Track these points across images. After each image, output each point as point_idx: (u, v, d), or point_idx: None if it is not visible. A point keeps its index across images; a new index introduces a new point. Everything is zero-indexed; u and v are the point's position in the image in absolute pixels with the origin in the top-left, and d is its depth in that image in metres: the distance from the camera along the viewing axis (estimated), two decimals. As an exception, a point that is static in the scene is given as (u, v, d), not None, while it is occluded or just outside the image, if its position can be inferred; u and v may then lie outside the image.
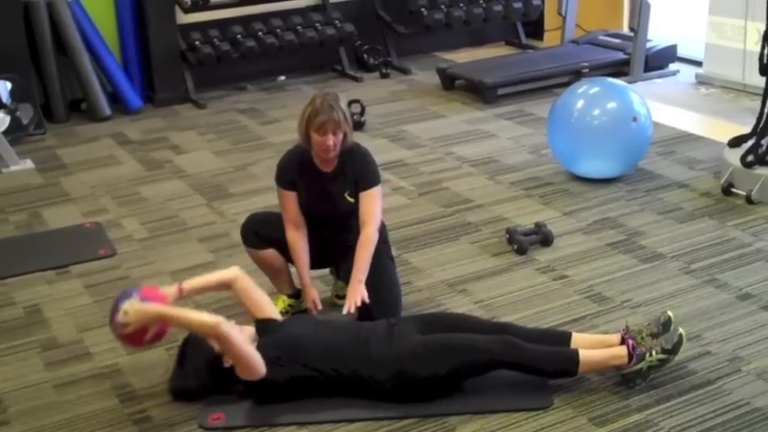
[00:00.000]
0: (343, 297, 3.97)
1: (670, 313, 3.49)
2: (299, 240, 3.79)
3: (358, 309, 3.60)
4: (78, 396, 3.47)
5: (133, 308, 3.22)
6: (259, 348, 3.28)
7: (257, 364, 3.23)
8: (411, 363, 3.25)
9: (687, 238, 4.51)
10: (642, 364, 3.29)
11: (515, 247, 4.46)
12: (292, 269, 3.93)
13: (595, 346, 3.39)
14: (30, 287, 4.34)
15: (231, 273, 3.49)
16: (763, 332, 3.67)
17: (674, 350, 3.31)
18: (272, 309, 3.52)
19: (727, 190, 4.95)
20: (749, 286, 4.03)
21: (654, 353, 3.29)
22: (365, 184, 3.76)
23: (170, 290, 3.43)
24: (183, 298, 3.46)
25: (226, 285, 3.51)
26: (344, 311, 3.59)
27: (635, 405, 3.25)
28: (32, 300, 4.22)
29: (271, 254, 3.86)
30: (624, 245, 4.48)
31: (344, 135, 3.68)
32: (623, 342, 3.35)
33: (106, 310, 4.04)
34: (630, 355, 3.29)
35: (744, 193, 4.87)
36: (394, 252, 4.07)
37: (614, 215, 4.81)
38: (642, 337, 3.35)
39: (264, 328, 3.40)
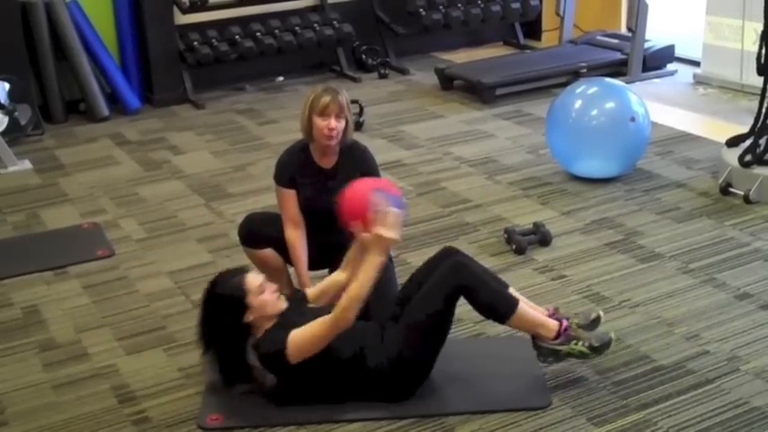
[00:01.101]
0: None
1: (601, 313, 3.49)
2: (297, 239, 3.79)
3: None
4: (77, 396, 3.47)
5: (395, 222, 3.15)
6: (280, 320, 3.24)
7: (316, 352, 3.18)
8: (397, 345, 3.24)
9: (685, 238, 4.51)
10: (564, 347, 3.30)
11: (514, 246, 4.46)
12: (291, 269, 3.92)
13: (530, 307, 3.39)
14: (28, 288, 4.34)
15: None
16: (761, 331, 3.68)
17: (599, 350, 3.31)
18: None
19: (725, 189, 4.95)
20: (747, 286, 4.03)
21: (581, 344, 3.29)
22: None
23: None
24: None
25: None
26: None
27: (633, 405, 3.25)
28: (30, 300, 4.22)
29: (269, 254, 3.86)
30: (622, 244, 4.48)
31: (346, 124, 3.70)
32: (551, 318, 3.35)
33: (105, 311, 4.07)
34: (558, 333, 3.30)
35: (742, 193, 4.87)
36: (392, 252, 4.06)
37: (612, 215, 4.81)
38: (573, 323, 3.35)
39: (293, 302, 3.39)
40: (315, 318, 3.20)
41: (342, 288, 3.27)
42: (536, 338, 3.35)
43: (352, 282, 3.17)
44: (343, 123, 3.70)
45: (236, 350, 3.26)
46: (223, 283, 3.27)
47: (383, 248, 3.16)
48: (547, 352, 3.33)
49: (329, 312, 3.17)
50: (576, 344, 3.30)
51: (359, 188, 3.31)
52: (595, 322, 3.44)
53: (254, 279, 3.25)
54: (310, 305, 3.46)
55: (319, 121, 3.67)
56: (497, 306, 3.29)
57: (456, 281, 3.25)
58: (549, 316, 3.38)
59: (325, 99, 3.67)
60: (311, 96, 3.72)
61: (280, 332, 3.20)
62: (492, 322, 3.77)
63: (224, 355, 3.29)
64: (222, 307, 3.23)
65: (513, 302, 3.29)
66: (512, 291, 3.40)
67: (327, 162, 3.79)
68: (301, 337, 3.16)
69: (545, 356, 3.35)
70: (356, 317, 3.54)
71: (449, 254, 3.45)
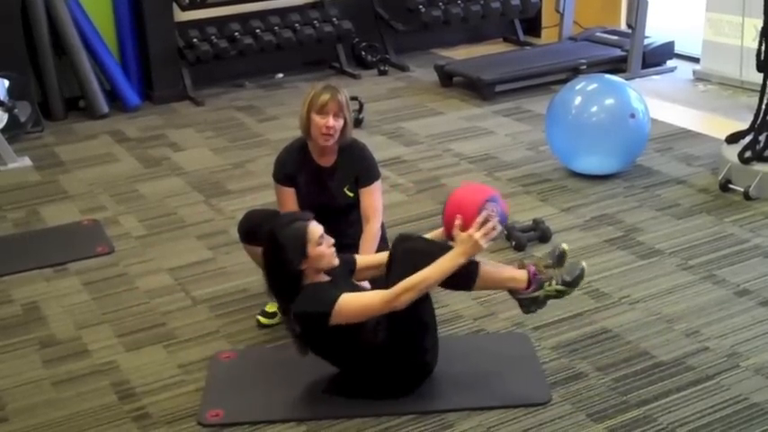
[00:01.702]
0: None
1: (565, 246, 3.42)
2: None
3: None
4: (77, 393, 3.47)
5: (492, 234, 3.17)
6: (333, 278, 3.27)
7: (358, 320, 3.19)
8: (376, 333, 3.24)
9: (685, 235, 4.51)
10: (540, 292, 3.28)
11: (514, 243, 4.46)
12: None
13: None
14: (28, 285, 4.34)
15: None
16: (761, 328, 3.68)
17: (573, 283, 3.28)
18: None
19: (724, 186, 4.95)
20: (747, 282, 4.03)
21: (553, 282, 3.28)
22: (366, 180, 3.78)
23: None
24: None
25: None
26: None
27: (633, 401, 3.25)
28: (30, 297, 4.22)
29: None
30: (622, 241, 4.48)
31: (345, 123, 3.70)
32: (520, 268, 3.33)
33: (104, 308, 4.08)
34: (530, 281, 3.28)
35: (741, 190, 4.87)
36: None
37: (612, 211, 4.81)
38: (541, 267, 3.33)
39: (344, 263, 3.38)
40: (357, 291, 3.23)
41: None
42: (513, 293, 3.34)
43: (426, 268, 3.15)
44: (341, 122, 3.70)
45: (291, 292, 3.23)
46: (285, 227, 3.24)
47: (469, 252, 3.17)
48: (527, 302, 3.31)
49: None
50: (549, 285, 3.28)
51: (480, 190, 3.33)
52: (562, 257, 3.38)
53: (316, 229, 3.23)
54: (353, 280, 3.46)
55: (317, 119, 3.67)
56: (458, 278, 3.23)
57: (411, 267, 3.19)
58: (518, 268, 3.35)
59: (324, 97, 3.67)
60: (311, 94, 3.72)
61: (328, 292, 3.18)
62: (491, 319, 3.80)
63: (280, 289, 3.27)
64: (282, 251, 3.19)
65: (473, 267, 3.25)
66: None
67: (326, 161, 3.79)
68: (350, 304, 3.15)
69: (527, 307, 3.32)
70: None
71: (401, 241, 3.37)
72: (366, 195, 3.76)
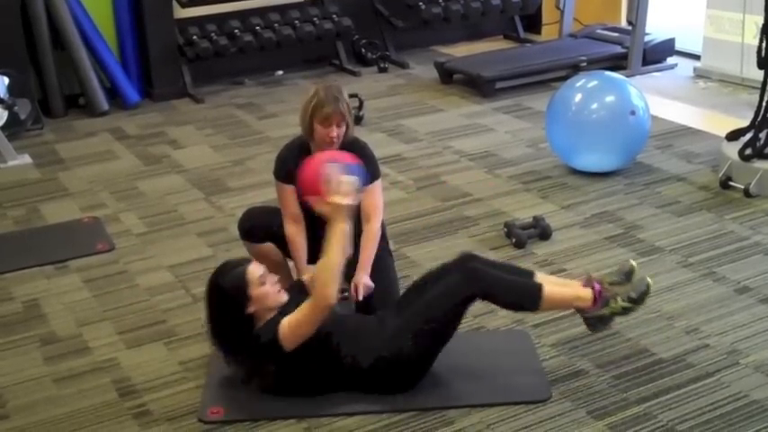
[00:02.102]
0: (343, 291, 3.98)
1: (633, 263, 3.45)
2: (297, 235, 3.79)
3: (357, 302, 3.61)
4: (78, 390, 3.48)
5: (348, 189, 3.16)
6: (282, 310, 3.27)
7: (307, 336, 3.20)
8: (398, 342, 3.24)
9: (685, 232, 4.51)
10: (605, 310, 3.28)
11: (514, 240, 4.46)
12: (290, 264, 3.93)
13: (559, 286, 3.37)
14: (28, 282, 4.34)
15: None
16: (761, 325, 3.68)
17: (639, 300, 3.28)
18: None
19: (725, 183, 4.95)
20: (747, 279, 4.03)
21: (619, 300, 3.27)
22: (369, 178, 3.75)
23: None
24: None
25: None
26: (351, 291, 3.63)
27: (633, 398, 3.26)
28: (31, 294, 4.22)
29: (269, 248, 3.86)
30: (622, 238, 4.48)
31: (347, 126, 3.69)
32: (586, 286, 3.33)
33: (105, 305, 4.08)
34: (595, 299, 3.28)
35: (742, 187, 4.87)
36: (392, 246, 4.07)
37: (612, 209, 4.81)
38: (607, 284, 3.33)
39: (293, 293, 3.39)
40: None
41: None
42: (579, 311, 3.34)
43: (322, 256, 3.17)
44: (344, 128, 3.68)
45: (241, 339, 3.26)
46: (225, 275, 3.28)
47: (342, 216, 3.15)
48: (594, 321, 3.31)
49: None
50: (615, 302, 3.27)
51: (311, 163, 3.33)
52: (630, 274, 3.40)
53: (255, 270, 3.25)
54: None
55: (321, 129, 3.65)
56: (522, 302, 3.29)
57: (472, 290, 3.24)
58: (586, 282, 3.35)
59: (327, 110, 3.61)
60: (312, 101, 3.65)
61: (272, 322, 3.21)
62: (491, 316, 3.80)
63: (231, 346, 3.30)
64: (225, 298, 3.24)
65: (536, 291, 3.25)
66: (538, 277, 3.38)
67: None
68: (290, 323, 3.18)
69: (594, 326, 3.32)
70: (357, 309, 3.56)
71: (464, 260, 3.40)
72: (366, 194, 3.74)
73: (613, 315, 3.30)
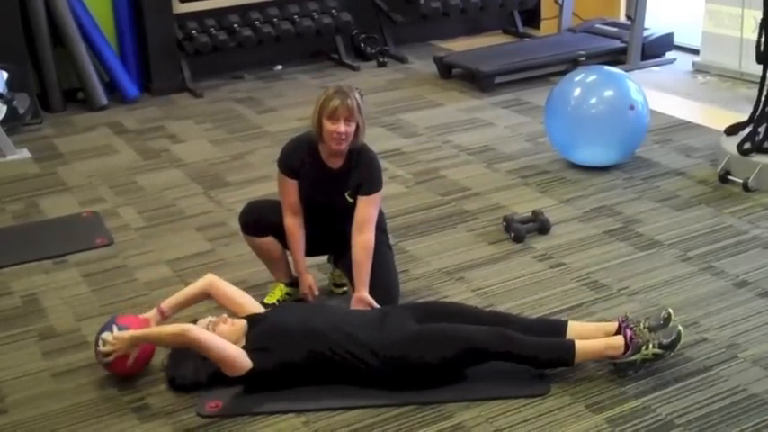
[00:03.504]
0: (341, 285, 3.99)
1: (671, 311, 3.47)
2: (296, 227, 3.79)
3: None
4: (76, 384, 3.48)
5: (111, 336, 3.35)
6: (248, 342, 3.32)
7: (239, 360, 3.25)
8: (404, 350, 3.25)
9: (684, 226, 4.52)
10: (637, 356, 3.29)
11: (512, 234, 4.47)
12: (290, 258, 3.93)
13: (592, 334, 3.39)
14: (27, 276, 4.34)
15: (205, 280, 3.59)
16: (759, 319, 3.68)
17: (670, 346, 3.31)
18: (252, 303, 3.55)
19: (723, 178, 4.96)
20: (746, 273, 4.04)
21: (650, 346, 3.29)
22: (367, 190, 3.73)
23: (150, 313, 3.55)
24: (166, 318, 3.55)
25: (204, 294, 3.59)
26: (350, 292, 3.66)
27: (632, 392, 3.26)
28: (30, 289, 4.22)
29: (269, 242, 3.86)
30: (621, 232, 4.49)
31: (357, 128, 3.67)
32: (620, 330, 3.35)
33: (104, 299, 4.08)
34: (627, 346, 3.29)
35: (740, 181, 4.87)
36: (391, 240, 4.07)
37: (611, 203, 4.81)
38: (640, 329, 3.34)
39: (251, 322, 3.41)
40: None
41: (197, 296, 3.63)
42: (611, 359, 3.35)
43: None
44: (353, 127, 3.65)
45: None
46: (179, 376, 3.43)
47: (129, 348, 3.37)
48: (624, 367, 3.32)
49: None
50: (646, 348, 3.28)
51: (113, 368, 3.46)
52: (667, 321, 3.43)
53: (202, 327, 3.34)
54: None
55: (328, 125, 3.63)
56: (556, 361, 3.32)
57: (505, 348, 3.26)
58: (620, 324, 3.37)
59: (335, 103, 3.60)
60: (322, 98, 3.66)
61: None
62: (487, 304, 3.79)
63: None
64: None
65: (568, 349, 3.29)
66: (569, 329, 3.40)
67: (335, 162, 3.75)
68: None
69: (624, 371, 3.33)
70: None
71: (500, 321, 3.42)
72: (363, 204, 3.72)
73: (645, 362, 3.31)
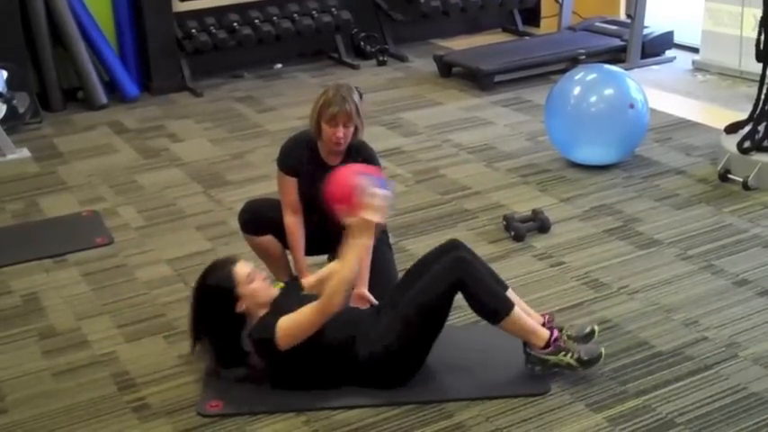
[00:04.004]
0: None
1: (596, 327, 3.44)
2: (296, 226, 3.80)
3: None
4: (76, 384, 3.48)
5: (381, 205, 3.16)
6: (272, 308, 3.27)
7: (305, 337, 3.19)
8: (393, 333, 3.24)
9: (684, 225, 4.51)
10: (552, 358, 3.28)
11: (512, 233, 4.46)
12: (290, 256, 3.93)
13: (526, 312, 3.37)
14: (27, 276, 4.34)
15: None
16: (759, 318, 3.68)
17: (587, 364, 3.28)
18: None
19: (723, 176, 4.95)
20: (745, 272, 4.03)
21: (569, 356, 3.27)
22: None
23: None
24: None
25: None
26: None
27: (632, 390, 3.26)
28: (30, 288, 4.22)
29: (269, 240, 3.86)
30: (621, 231, 4.49)
31: (356, 128, 3.68)
32: (544, 326, 3.34)
33: (104, 299, 4.08)
34: (548, 343, 3.28)
35: (740, 180, 4.87)
36: (391, 239, 4.07)
37: (611, 202, 4.81)
38: (564, 335, 3.34)
39: (281, 294, 3.39)
40: (311, 300, 3.23)
41: None
42: (526, 345, 3.34)
43: (338, 266, 3.17)
44: (351, 129, 3.67)
45: (231, 339, 3.28)
46: (212, 276, 3.30)
47: (368, 232, 3.17)
48: (535, 360, 3.32)
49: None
50: (564, 355, 3.28)
51: (345, 173, 3.32)
52: (589, 336, 3.40)
53: (242, 269, 3.27)
54: (304, 293, 3.46)
55: (327, 128, 3.65)
56: (492, 307, 3.26)
57: (455, 276, 3.23)
58: (544, 323, 3.37)
59: (333, 109, 3.61)
60: (320, 101, 3.66)
61: (271, 319, 3.21)
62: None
63: (218, 344, 3.31)
64: (213, 299, 3.26)
65: (509, 306, 3.26)
66: (510, 293, 3.40)
67: (334, 160, 3.76)
68: (290, 324, 3.18)
69: (533, 364, 3.33)
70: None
71: (452, 247, 3.44)
72: None
73: (556, 366, 3.30)
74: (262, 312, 3.26)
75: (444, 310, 3.27)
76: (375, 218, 3.15)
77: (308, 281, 3.54)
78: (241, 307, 3.23)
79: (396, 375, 3.30)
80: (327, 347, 3.25)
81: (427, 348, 3.31)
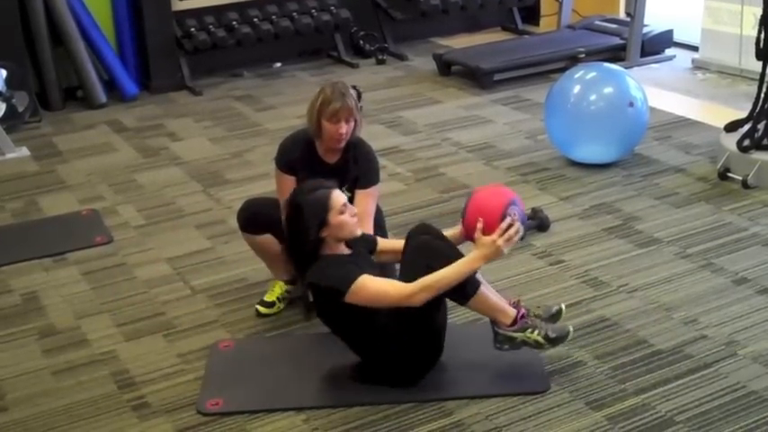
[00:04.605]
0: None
1: (563, 306, 3.47)
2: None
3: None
4: (76, 382, 3.48)
5: (514, 239, 3.17)
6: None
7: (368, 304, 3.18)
8: (390, 330, 3.24)
9: (683, 223, 4.51)
10: (519, 335, 3.29)
11: (512, 232, 4.46)
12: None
13: (493, 294, 3.36)
14: (26, 274, 4.34)
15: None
16: (758, 316, 3.68)
17: (555, 341, 3.30)
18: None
19: (723, 175, 4.95)
20: (745, 271, 4.03)
21: (536, 333, 3.28)
22: (365, 183, 3.74)
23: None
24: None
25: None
26: None
27: (632, 389, 3.26)
28: (29, 287, 4.22)
29: (268, 239, 3.86)
30: (620, 230, 4.49)
31: (355, 123, 3.68)
32: (513, 307, 3.34)
33: (103, 297, 4.08)
34: (515, 320, 3.29)
35: (740, 178, 4.87)
36: (390, 238, 4.06)
37: (611, 200, 4.81)
38: (532, 315, 3.35)
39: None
40: (377, 272, 3.23)
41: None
42: (494, 324, 3.34)
43: (444, 268, 3.14)
44: (353, 124, 3.68)
45: (308, 261, 3.25)
46: (309, 194, 3.26)
47: (490, 256, 3.17)
48: (503, 338, 3.32)
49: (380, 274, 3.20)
50: (531, 332, 3.29)
51: (502, 194, 3.32)
52: (556, 316, 3.43)
53: (338, 197, 3.26)
54: (373, 258, 3.46)
55: (329, 126, 3.64)
56: (458, 289, 3.22)
57: (424, 263, 3.20)
58: (513, 303, 3.37)
59: (335, 105, 3.60)
60: (319, 99, 3.65)
61: (350, 270, 3.18)
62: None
63: (298, 256, 3.27)
64: (304, 216, 3.21)
65: (475, 285, 3.25)
66: (477, 275, 3.37)
67: (331, 157, 3.76)
68: (368, 288, 3.14)
69: (501, 342, 3.33)
70: None
71: (417, 232, 3.39)
72: (360, 198, 3.72)
73: (524, 344, 3.31)
74: (337, 249, 3.25)
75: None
76: (505, 248, 3.16)
77: (381, 243, 3.51)
78: (324, 233, 3.21)
79: (409, 370, 3.30)
80: (374, 324, 3.23)
81: (434, 338, 3.30)
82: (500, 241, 3.15)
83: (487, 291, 3.31)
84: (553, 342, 3.30)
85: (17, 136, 6.14)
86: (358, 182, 3.74)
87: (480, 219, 3.20)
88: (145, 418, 3.26)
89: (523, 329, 3.29)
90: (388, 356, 3.29)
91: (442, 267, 3.15)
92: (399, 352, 3.26)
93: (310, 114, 3.69)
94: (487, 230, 3.18)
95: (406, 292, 3.13)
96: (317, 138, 3.71)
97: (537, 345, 3.30)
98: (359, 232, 3.30)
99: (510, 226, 3.17)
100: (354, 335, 3.30)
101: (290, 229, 3.27)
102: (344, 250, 3.29)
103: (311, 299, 3.29)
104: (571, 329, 3.34)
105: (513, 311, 3.31)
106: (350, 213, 3.26)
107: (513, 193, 3.37)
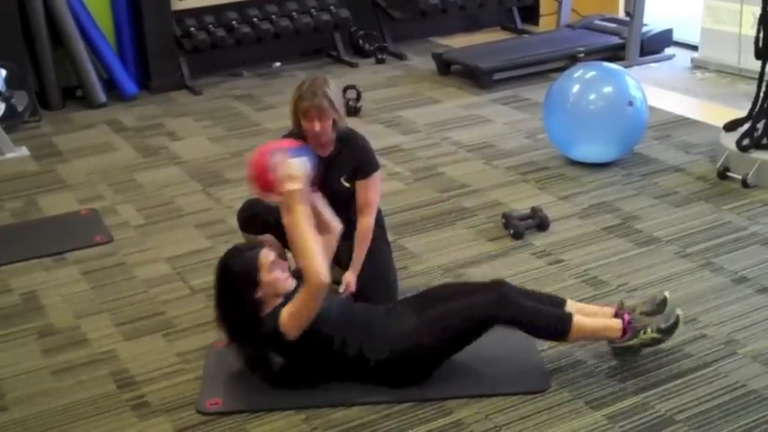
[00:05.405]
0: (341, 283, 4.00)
1: (667, 294, 3.49)
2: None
3: (353, 294, 3.62)
4: (76, 382, 3.48)
5: (297, 172, 3.17)
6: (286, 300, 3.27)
7: (308, 322, 3.18)
8: (413, 340, 3.24)
9: (683, 222, 4.52)
10: (635, 341, 3.30)
11: (511, 231, 4.47)
12: (289, 255, 3.92)
13: (591, 315, 3.38)
14: (26, 274, 4.34)
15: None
16: (758, 315, 3.68)
17: (669, 331, 3.32)
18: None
19: (722, 174, 4.96)
20: (744, 270, 4.04)
21: (649, 330, 3.30)
22: (363, 173, 3.75)
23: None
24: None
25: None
26: (341, 290, 3.64)
27: (631, 388, 3.26)
28: (29, 287, 4.22)
29: (268, 240, 3.85)
30: (620, 229, 4.49)
31: (334, 121, 3.68)
32: (617, 316, 3.35)
33: (103, 297, 4.08)
34: (624, 330, 3.30)
35: (739, 177, 4.87)
36: (390, 237, 4.07)
37: (610, 199, 4.81)
38: (638, 314, 3.35)
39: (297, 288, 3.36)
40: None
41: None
42: (609, 342, 3.36)
43: (292, 242, 3.18)
44: (329, 122, 3.66)
45: (247, 326, 3.24)
46: (237, 257, 3.28)
47: (297, 200, 3.16)
48: (620, 351, 3.34)
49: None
50: (644, 333, 3.29)
51: (256, 158, 3.31)
52: (662, 305, 3.44)
53: (267, 255, 3.25)
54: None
55: (305, 123, 3.67)
56: (552, 331, 3.28)
57: (498, 313, 3.23)
58: (615, 313, 3.37)
59: (305, 104, 3.61)
60: (294, 96, 3.67)
61: (278, 310, 3.21)
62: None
63: (236, 331, 3.28)
64: (234, 281, 3.23)
65: (566, 321, 3.26)
66: (568, 305, 3.38)
67: (324, 151, 3.77)
68: (290, 310, 3.17)
69: (620, 356, 3.34)
70: (355, 301, 3.55)
71: (498, 284, 3.39)
72: (362, 188, 3.75)
73: (643, 346, 3.32)
74: (276, 303, 3.24)
75: (473, 336, 3.29)
76: (295, 185, 3.15)
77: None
78: (258, 293, 3.21)
79: (412, 375, 3.30)
80: (339, 345, 3.24)
81: (447, 356, 3.32)
82: (288, 186, 3.14)
83: (583, 318, 3.30)
84: (668, 332, 3.31)
85: (17, 136, 6.14)
86: (358, 172, 3.75)
87: (259, 189, 3.27)
88: (144, 417, 3.26)
89: (636, 335, 3.29)
90: (376, 366, 3.29)
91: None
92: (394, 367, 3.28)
93: (290, 109, 3.71)
94: (270, 187, 3.21)
95: (307, 287, 3.12)
96: (301, 132, 3.72)
97: (654, 341, 3.31)
98: (292, 285, 3.27)
99: (284, 169, 3.15)
100: (334, 359, 3.28)
101: (225, 294, 3.27)
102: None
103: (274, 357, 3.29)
104: (680, 313, 3.34)
105: (618, 324, 3.31)
106: (281, 269, 3.26)
107: (273, 143, 3.37)
